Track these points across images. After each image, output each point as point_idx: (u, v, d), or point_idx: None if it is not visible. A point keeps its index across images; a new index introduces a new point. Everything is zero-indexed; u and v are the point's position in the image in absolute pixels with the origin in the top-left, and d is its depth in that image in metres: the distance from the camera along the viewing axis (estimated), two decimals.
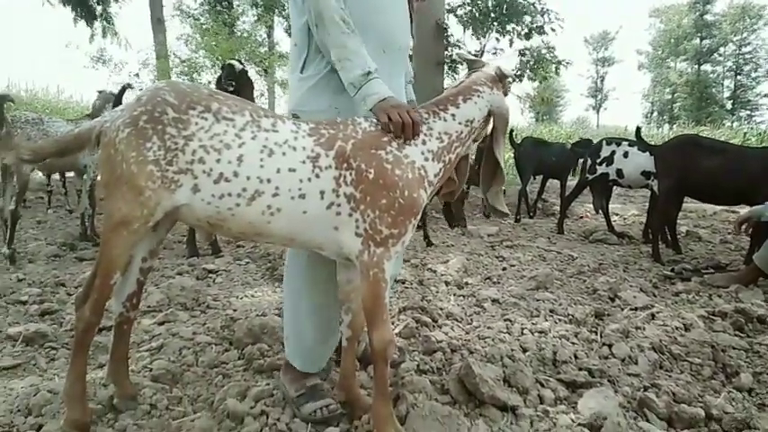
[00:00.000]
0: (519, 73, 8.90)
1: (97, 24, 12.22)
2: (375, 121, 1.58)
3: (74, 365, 1.57)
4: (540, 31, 8.32)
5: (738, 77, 38.36)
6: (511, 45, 8.62)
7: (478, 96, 1.67)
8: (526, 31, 8.28)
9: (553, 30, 8.38)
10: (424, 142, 1.58)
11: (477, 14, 8.27)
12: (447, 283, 3.42)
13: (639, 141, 5.04)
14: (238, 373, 2.08)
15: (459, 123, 1.64)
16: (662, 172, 4.45)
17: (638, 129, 5.16)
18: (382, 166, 1.49)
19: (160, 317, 2.63)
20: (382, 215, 1.48)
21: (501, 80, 1.72)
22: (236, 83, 3.91)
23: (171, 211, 1.46)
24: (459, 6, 8.53)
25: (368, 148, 1.51)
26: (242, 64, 4.19)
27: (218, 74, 4.31)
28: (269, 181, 1.43)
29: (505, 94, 1.74)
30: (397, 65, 1.84)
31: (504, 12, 8.14)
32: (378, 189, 1.48)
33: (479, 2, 8.44)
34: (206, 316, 2.71)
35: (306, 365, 1.85)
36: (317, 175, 1.47)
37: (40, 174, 6.29)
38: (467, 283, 3.44)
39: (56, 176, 6.77)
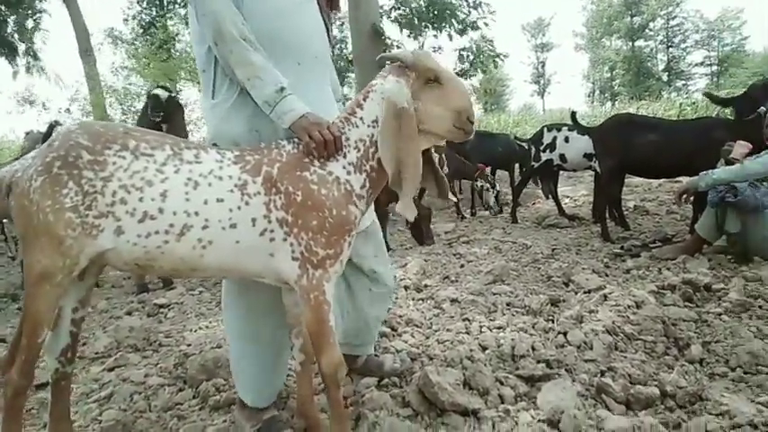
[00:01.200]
0: (460, 70, 9.00)
1: (20, 61, 11.71)
2: (297, 141, 1.54)
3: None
4: (474, 26, 8.44)
5: (670, 50, 39.97)
6: (451, 39, 8.72)
7: (372, 91, 1.57)
8: (461, 27, 8.38)
9: (486, 24, 8.52)
10: (344, 156, 1.54)
11: (410, 16, 8.33)
12: (406, 288, 3.40)
13: (576, 125, 5.16)
14: (194, 412, 2.00)
15: (368, 126, 1.55)
16: (601, 153, 4.58)
17: (574, 113, 5.30)
18: (309, 188, 1.46)
19: (109, 362, 2.51)
20: (316, 236, 1.44)
21: (407, 65, 1.56)
22: (164, 112, 3.77)
23: (96, 257, 1.40)
24: (392, 8, 8.56)
25: (293, 170, 1.47)
26: (168, 90, 4.05)
27: (144, 103, 4.16)
28: (197, 214, 1.39)
29: (429, 77, 1.55)
30: (317, 74, 1.78)
31: (435, 12, 8.22)
32: (307, 210, 1.44)
33: (411, 3, 8.50)
34: (158, 355, 2.61)
35: (257, 401, 1.79)
36: (247, 203, 1.43)
37: None
38: (426, 286, 3.44)
39: None
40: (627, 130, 4.33)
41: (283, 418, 1.83)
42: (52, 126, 4.57)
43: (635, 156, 4.24)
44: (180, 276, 1.54)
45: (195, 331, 2.92)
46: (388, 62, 1.69)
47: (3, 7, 11.05)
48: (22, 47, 11.52)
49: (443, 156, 6.41)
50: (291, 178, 1.46)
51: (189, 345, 2.67)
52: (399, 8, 8.43)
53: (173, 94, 4.04)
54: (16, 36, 11.43)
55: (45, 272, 1.36)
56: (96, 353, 2.64)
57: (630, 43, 40.76)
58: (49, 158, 1.36)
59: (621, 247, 3.90)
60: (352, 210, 1.51)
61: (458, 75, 8.83)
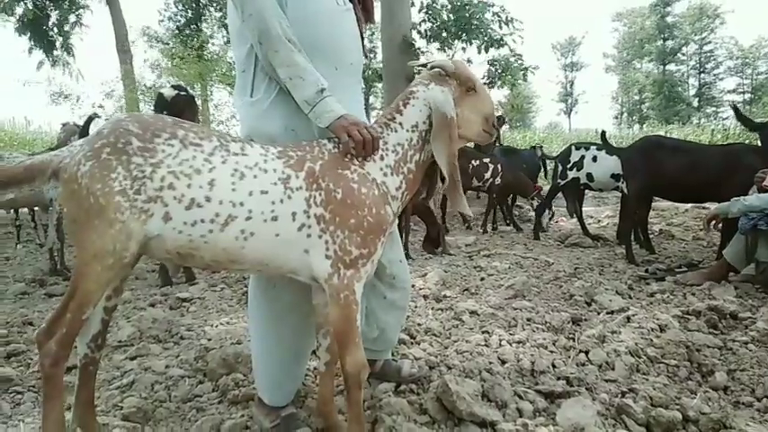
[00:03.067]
0: (489, 82, 8.98)
1: (57, 54, 11.99)
2: (337, 141, 1.57)
3: (49, 410, 1.46)
4: (500, 43, 8.43)
5: (702, 75, 39.44)
6: (480, 53, 8.71)
7: (414, 98, 1.64)
8: (488, 43, 8.38)
9: (514, 41, 8.51)
10: (381, 158, 1.58)
11: (438, 29, 8.36)
12: (425, 297, 3.40)
13: (606, 145, 5.12)
14: (212, 405, 2.02)
15: (407, 131, 1.62)
16: (628, 174, 4.53)
17: (603, 133, 5.25)
18: (349, 186, 1.49)
19: (131, 351, 2.56)
20: (351, 235, 1.47)
21: (448, 73, 1.65)
22: (167, 111, 3.66)
23: (142, 244, 1.42)
24: (421, 21, 8.59)
25: (335, 168, 1.51)
26: (179, 89, 3.99)
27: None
28: (242, 204, 1.41)
29: (469, 86, 1.65)
30: (352, 81, 1.83)
31: (462, 27, 8.24)
32: (346, 209, 1.47)
33: (441, 16, 8.53)
34: (179, 347, 2.64)
35: (274, 399, 1.81)
36: (289, 197, 1.45)
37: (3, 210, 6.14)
38: (445, 296, 3.43)
39: (24, 210, 6.61)
40: (655, 151, 4.28)
41: (301, 416, 1.84)
42: (90, 119, 4.68)
43: (662, 178, 4.19)
44: (217, 268, 1.57)
45: (216, 326, 2.96)
46: (421, 69, 1.78)
47: (47, 2, 11.36)
48: (59, 41, 11.81)
49: (498, 166, 6.43)
50: (333, 176, 1.49)
51: (209, 339, 2.70)
52: (428, 21, 8.45)
53: (182, 93, 3.96)
54: (55, 30, 11.74)
55: (98, 252, 1.38)
56: (119, 341, 2.69)
57: (662, 67, 40.34)
58: (99, 144, 1.40)
59: (646, 270, 3.85)
60: (388, 210, 1.55)
61: (486, 84, 8.85)
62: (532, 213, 6.99)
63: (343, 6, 1.72)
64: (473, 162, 6.45)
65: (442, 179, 1.63)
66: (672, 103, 37.99)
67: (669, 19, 39.50)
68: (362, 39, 1.85)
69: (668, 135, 15.13)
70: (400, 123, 1.62)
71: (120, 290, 1.67)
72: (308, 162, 1.50)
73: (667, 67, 40.18)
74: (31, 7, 11.28)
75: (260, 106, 1.66)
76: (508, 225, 7.14)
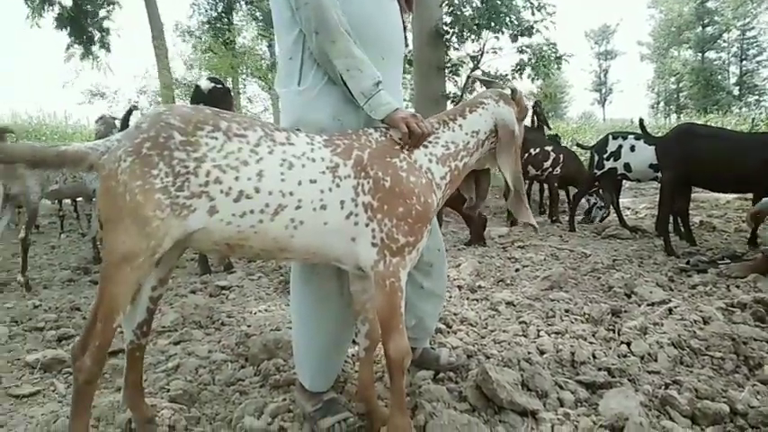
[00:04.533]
0: (518, 69, 8.81)
1: (77, 48, 12.25)
2: (383, 130, 1.60)
3: (75, 423, 1.45)
4: (531, 31, 8.27)
5: (744, 63, 37.97)
6: (513, 41, 8.53)
7: (483, 108, 1.72)
8: (518, 31, 8.23)
9: (546, 28, 8.33)
10: (426, 146, 1.60)
11: (467, 18, 8.24)
12: (460, 288, 3.40)
13: (644, 134, 4.98)
14: (255, 389, 2.07)
15: (466, 134, 1.69)
16: (663, 163, 4.42)
17: (642, 121, 5.11)
18: (398, 174, 1.50)
19: (175, 336, 2.64)
20: (399, 223, 1.48)
21: (513, 98, 1.77)
22: (204, 104, 3.75)
23: (182, 238, 1.41)
24: (452, 11, 8.49)
25: (383, 156, 1.52)
26: (217, 81, 4.04)
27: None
28: (291, 194, 1.41)
29: (523, 116, 1.80)
30: (396, 71, 1.85)
31: (491, 16, 8.11)
32: (394, 197, 1.48)
33: (467, 6, 8.42)
34: (220, 333, 2.71)
35: (315, 385, 1.84)
36: (338, 185, 1.46)
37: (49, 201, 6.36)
38: (480, 287, 3.42)
39: (67, 201, 6.85)
40: (690, 139, 4.16)
41: (342, 401, 1.87)
42: (130, 110, 4.80)
43: (698, 167, 4.06)
44: (262, 257, 1.58)
45: (255, 314, 3.01)
46: (484, 80, 2.00)
47: None
48: (96, 36, 12.11)
49: (560, 156, 6.32)
50: (381, 164, 1.50)
51: (249, 325, 2.76)
52: (458, 10, 8.34)
53: (219, 86, 4.01)
54: (92, 26, 12.02)
55: (128, 254, 1.35)
56: (163, 326, 2.77)
57: (700, 54, 39.00)
58: (139, 139, 1.36)
59: (687, 262, 3.76)
60: (434, 198, 1.56)
61: (516, 72, 8.69)
62: (567, 204, 6.88)
63: None
64: (532, 150, 6.36)
65: (507, 191, 1.73)
66: (711, 92, 36.67)
67: (709, 4, 38.13)
68: (405, 28, 1.85)
69: (707, 124, 14.68)
70: (460, 125, 1.69)
71: (165, 280, 1.67)
72: (355, 150, 1.51)
73: (706, 54, 38.79)
74: (69, 5, 11.59)
75: (308, 95, 1.67)
76: (542, 214, 7.04)
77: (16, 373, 2.29)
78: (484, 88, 1.92)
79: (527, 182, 8.00)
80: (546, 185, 7.14)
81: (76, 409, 1.46)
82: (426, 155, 1.60)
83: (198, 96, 3.89)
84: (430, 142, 1.62)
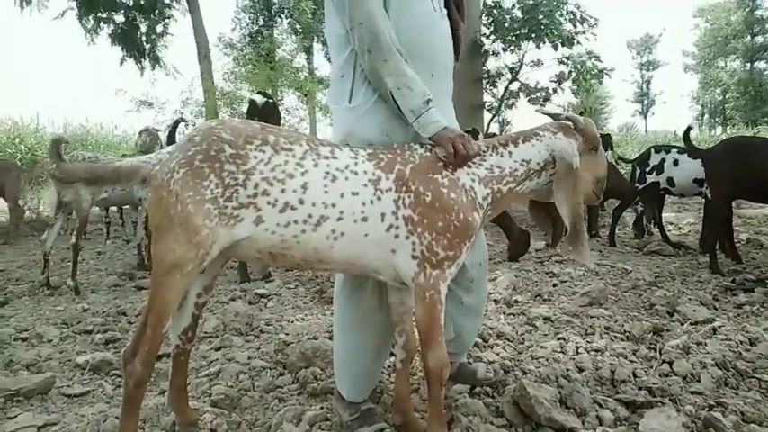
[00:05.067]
0: (557, 81, 8.71)
1: (145, 63, 12.81)
2: (429, 146, 1.63)
3: (125, 424, 1.52)
4: (572, 42, 8.15)
5: None
6: (556, 49, 8.40)
7: (537, 140, 1.72)
8: (559, 42, 8.13)
9: (588, 39, 8.22)
10: (470, 166, 1.62)
11: (506, 30, 8.21)
12: (496, 302, 3.38)
13: (688, 145, 4.77)
14: (293, 396, 2.11)
15: (515, 161, 1.68)
16: (712, 177, 4.28)
17: (688, 130, 4.91)
18: (439, 190, 1.53)
19: (216, 342, 2.71)
20: (439, 237, 1.51)
21: (576, 128, 1.75)
22: (258, 117, 3.92)
23: (228, 247, 1.47)
24: (491, 23, 8.49)
25: (425, 172, 1.55)
26: (266, 96, 4.28)
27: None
28: (333, 205, 1.46)
29: (593, 145, 1.77)
30: (446, 87, 1.88)
31: (532, 27, 8.05)
32: (435, 212, 1.51)
33: (506, 18, 8.38)
34: (260, 340, 2.77)
35: (353, 395, 1.87)
36: (379, 198, 1.50)
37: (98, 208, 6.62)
38: (516, 301, 3.39)
39: (113, 208, 7.11)
40: (742, 152, 4.03)
41: (379, 411, 1.89)
42: (177, 122, 4.98)
43: (750, 179, 3.93)
44: (303, 267, 1.62)
45: (292, 322, 3.07)
46: (548, 114, 1.89)
47: (137, 13, 12.18)
48: (147, 49, 12.66)
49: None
50: (423, 180, 1.53)
51: (287, 334, 2.81)
52: (497, 22, 8.33)
53: (270, 101, 4.26)
54: (144, 40, 12.57)
55: (178, 262, 1.40)
56: (205, 332, 2.85)
57: (749, 65, 37.70)
58: (192, 152, 1.43)
59: (733, 281, 3.64)
60: (476, 216, 1.57)
61: (555, 83, 8.59)
62: (608, 219, 6.74)
63: (440, 12, 1.77)
64: None
65: (565, 229, 1.70)
66: (759, 104, 35.36)
67: (759, 13, 36.87)
68: (456, 44, 1.88)
69: (757, 136, 14.17)
70: (510, 152, 1.69)
71: (210, 287, 1.75)
72: (398, 165, 1.55)
73: (755, 64, 37.48)
74: (122, 20, 12.15)
75: (358, 112, 1.72)
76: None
77: (68, 374, 2.40)
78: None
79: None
80: None
81: (126, 411, 1.52)
82: (469, 174, 1.62)
83: (253, 110, 4.13)
84: (474, 163, 1.64)
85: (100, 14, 11.83)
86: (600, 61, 8.38)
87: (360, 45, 1.62)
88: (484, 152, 1.67)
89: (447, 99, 1.89)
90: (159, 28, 12.68)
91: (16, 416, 1.96)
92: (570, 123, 1.76)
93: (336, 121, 1.81)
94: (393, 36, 1.60)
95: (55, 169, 1.65)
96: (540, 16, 8.08)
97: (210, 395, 2.08)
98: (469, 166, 1.62)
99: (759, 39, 36.68)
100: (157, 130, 5.63)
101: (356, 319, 1.87)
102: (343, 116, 1.76)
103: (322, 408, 1.97)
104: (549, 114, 1.89)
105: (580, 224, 1.70)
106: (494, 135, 6.80)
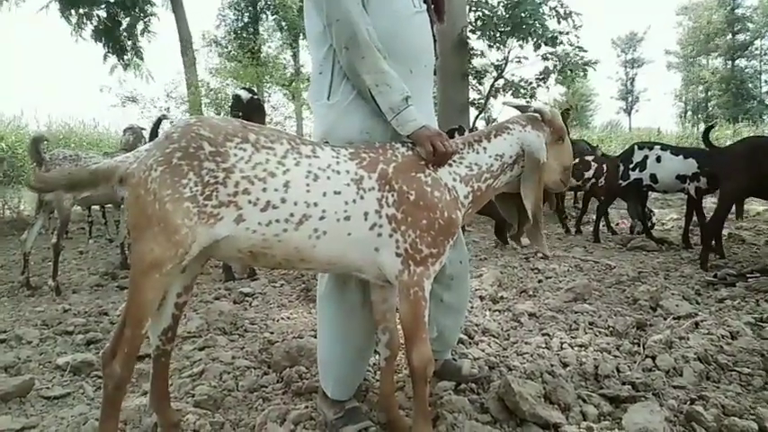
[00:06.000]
0: (542, 77, 8.73)
1: (111, 57, 12.69)
2: (410, 145, 1.62)
3: (104, 426, 1.49)
4: (556, 41, 8.18)
5: None
6: (536, 50, 8.42)
7: (508, 133, 1.73)
8: (543, 40, 8.15)
9: (570, 40, 8.25)
10: (450, 165, 1.63)
11: (492, 27, 8.22)
12: (482, 298, 3.38)
13: (707, 143, 4.68)
14: (277, 396, 2.10)
15: (490, 157, 1.70)
16: (727, 174, 4.31)
17: (709, 128, 4.92)
18: (423, 188, 1.53)
19: (200, 342, 2.68)
20: (422, 235, 1.50)
21: (543, 120, 1.77)
22: (242, 113, 3.94)
23: (208, 246, 1.44)
24: (477, 19, 8.49)
25: (408, 171, 1.55)
26: (251, 92, 4.23)
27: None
28: (316, 204, 1.45)
29: (559, 135, 1.80)
30: (425, 84, 1.87)
31: (516, 24, 8.08)
32: (419, 210, 1.51)
33: (492, 16, 8.38)
34: (244, 340, 2.75)
35: (338, 393, 1.86)
36: (362, 197, 1.49)
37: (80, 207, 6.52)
38: (502, 298, 3.40)
39: (96, 207, 7.01)
40: (759, 152, 4.09)
41: (364, 410, 1.88)
42: (160, 119, 4.91)
43: (765, 179, 4.03)
44: (284, 267, 1.60)
45: (277, 321, 3.05)
46: (515, 107, 1.93)
47: (119, 10, 12.03)
48: (128, 44, 12.52)
49: (603, 165, 6.11)
50: (406, 178, 1.53)
51: (272, 333, 2.80)
52: (483, 19, 8.33)
53: (255, 97, 4.21)
54: (125, 36, 12.42)
55: (156, 261, 1.38)
56: (188, 332, 2.82)
57: (730, 62, 38.23)
58: (170, 149, 1.40)
59: (715, 275, 3.68)
60: (459, 214, 1.58)
61: (540, 80, 8.63)
62: (592, 215, 6.79)
63: (418, 8, 1.75)
64: None
65: (527, 218, 1.73)
66: (741, 101, 35.89)
67: (739, 11, 37.38)
68: (435, 40, 1.87)
69: (739, 134, 14.39)
70: (484, 148, 1.70)
71: (190, 287, 1.70)
72: (380, 164, 1.54)
73: (737, 62, 38.00)
74: (104, 16, 12.00)
75: (337, 108, 1.71)
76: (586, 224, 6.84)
77: (47, 375, 2.36)
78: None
79: (570, 192, 7.80)
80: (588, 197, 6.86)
81: (106, 413, 1.49)
82: (450, 173, 1.63)
83: (237, 105, 4.09)
84: (454, 161, 1.64)
85: (81, 10, 11.67)
86: (584, 51, 8.39)
87: (337, 42, 1.61)
88: (461, 150, 1.67)
89: (427, 96, 1.89)
90: (140, 25, 12.51)
91: None
92: (538, 115, 1.78)
93: (316, 118, 1.81)
94: (371, 32, 1.59)
95: (33, 179, 1.63)
96: (524, 14, 8.09)
97: (194, 395, 2.06)
98: (450, 165, 1.63)
99: (740, 37, 37.22)
100: (142, 129, 5.55)
101: (339, 318, 1.86)
102: (322, 113, 1.75)
103: (307, 407, 1.95)
104: (516, 106, 1.92)
105: (540, 215, 1.77)
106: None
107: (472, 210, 1.72)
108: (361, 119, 1.69)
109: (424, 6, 1.80)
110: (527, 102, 8.56)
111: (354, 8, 1.57)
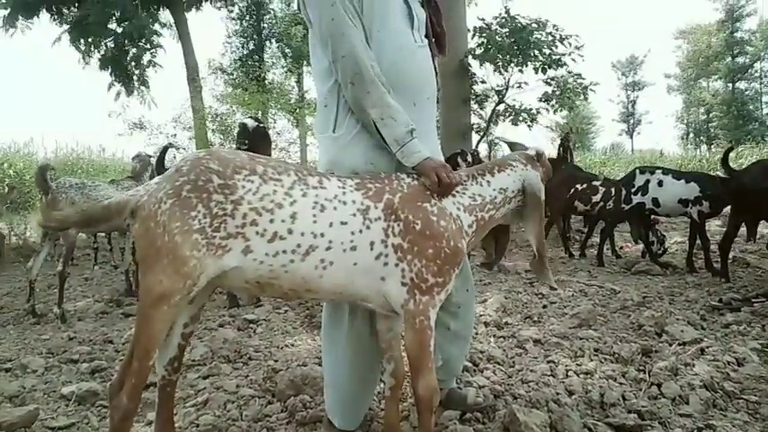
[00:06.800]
0: (545, 100, 8.81)
1: (117, 85, 12.92)
2: (414, 176, 1.66)
3: None
4: (558, 63, 8.27)
5: None
6: (536, 73, 8.50)
7: (512, 169, 1.79)
8: (545, 64, 8.24)
9: (574, 60, 8.34)
10: (454, 195, 1.66)
11: (493, 53, 8.31)
12: (486, 324, 3.37)
13: (725, 166, 4.64)
14: (282, 426, 2.09)
15: (494, 189, 1.75)
16: (745, 196, 4.33)
17: (728, 151, 4.89)
18: (429, 218, 1.56)
19: (204, 371, 2.68)
20: (428, 264, 1.53)
21: (538, 160, 1.84)
22: (248, 141, 4.03)
23: (216, 277, 1.47)
24: (478, 45, 8.61)
25: (414, 201, 1.59)
26: (257, 120, 4.30)
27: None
28: (322, 235, 1.47)
29: (548, 177, 1.86)
30: (428, 116, 1.92)
31: (518, 49, 8.18)
32: (425, 239, 1.53)
33: (492, 42, 8.48)
34: (248, 368, 2.75)
35: (344, 423, 1.86)
36: (368, 227, 1.52)
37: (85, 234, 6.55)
38: (506, 323, 3.40)
39: (101, 234, 7.05)
40: None
41: None
42: (166, 148, 4.97)
43: None
44: (291, 297, 1.62)
45: (282, 348, 3.05)
46: (507, 143, 2.05)
47: (126, 41, 12.29)
48: (135, 75, 12.80)
49: (611, 189, 6.01)
50: (412, 208, 1.56)
51: (276, 360, 2.79)
52: (484, 45, 8.44)
53: (261, 125, 4.28)
54: (132, 65, 12.69)
55: (165, 293, 1.41)
56: (193, 360, 2.81)
57: (731, 85, 38.48)
58: (179, 182, 1.44)
59: (720, 300, 3.67)
60: (464, 243, 1.61)
61: (543, 101, 8.69)
62: (596, 239, 6.77)
63: (420, 43, 1.81)
64: (578, 186, 6.18)
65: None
66: (743, 123, 36.01)
67: (739, 35, 37.77)
68: (436, 73, 1.92)
69: (742, 156, 14.43)
70: (488, 181, 1.75)
71: (197, 317, 1.74)
72: (386, 194, 1.57)
73: (737, 84, 38.25)
74: (111, 45, 12.26)
75: (342, 141, 1.75)
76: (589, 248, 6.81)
77: (52, 405, 2.36)
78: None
79: (579, 217, 7.78)
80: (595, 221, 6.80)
81: None
82: (455, 203, 1.66)
83: (243, 134, 4.15)
84: (458, 192, 1.68)
85: (90, 38, 11.94)
86: (582, 78, 8.48)
87: (343, 77, 1.66)
88: (465, 181, 1.71)
89: (430, 127, 1.94)
90: (147, 57, 12.78)
91: None
92: (535, 155, 1.84)
93: (322, 150, 1.85)
94: (376, 68, 1.63)
95: (48, 219, 1.69)
96: (524, 38, 8.19)
97: (198, 425, 2.06)
98: (454, 195, 1.66)
99: (740, 59, 37.50)
100: (149, 156, 5.61)
101: (344, 348, 1.87)
102: (328, 145, 1.80)
103: None
104: (507, 143, 2.02)
105: (544, 250, 1.82)
106: (478, 155, 6.85)
107: (475, 239, 1.75)
108: (365, 151, 1.74)
109: (426, 41, 1.85)
110: (528, 126, 8.77)
111: (359, 44, 1.62)
